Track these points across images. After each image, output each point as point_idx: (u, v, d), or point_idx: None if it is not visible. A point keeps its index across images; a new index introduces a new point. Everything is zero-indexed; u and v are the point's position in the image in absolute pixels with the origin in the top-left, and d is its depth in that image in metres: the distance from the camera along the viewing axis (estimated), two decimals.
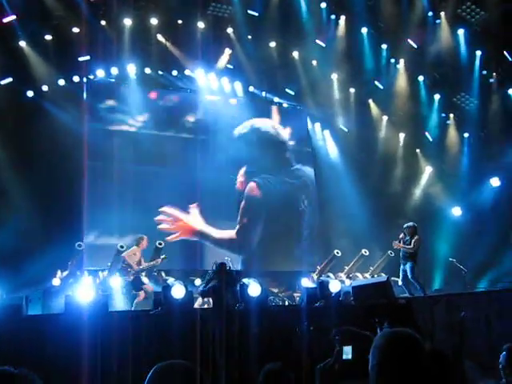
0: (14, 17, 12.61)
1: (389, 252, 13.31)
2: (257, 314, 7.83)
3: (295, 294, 13.29)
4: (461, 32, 15.09)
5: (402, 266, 11.71)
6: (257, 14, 14.76)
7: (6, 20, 12.61)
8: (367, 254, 13.75)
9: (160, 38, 14.80)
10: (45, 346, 6.90)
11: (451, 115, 16.93)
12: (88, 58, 13.85)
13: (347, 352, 2.68)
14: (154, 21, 14.44)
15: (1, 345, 6.66)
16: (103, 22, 13.78)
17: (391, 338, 2.16)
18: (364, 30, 15.46)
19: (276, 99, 16.89)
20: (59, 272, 11.58)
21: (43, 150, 12.71)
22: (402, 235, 11.68)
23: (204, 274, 11.11)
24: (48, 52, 13.35)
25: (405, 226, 11.73)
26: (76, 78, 14.23)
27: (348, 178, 16.13)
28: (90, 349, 6.84)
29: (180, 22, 14.72)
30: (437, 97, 16.57)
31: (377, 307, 8.92)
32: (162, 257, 12.16)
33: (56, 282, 11.40)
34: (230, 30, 15.23)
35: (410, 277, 11.41)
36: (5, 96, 12.76)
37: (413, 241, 11.49)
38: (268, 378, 3.45)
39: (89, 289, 8.39)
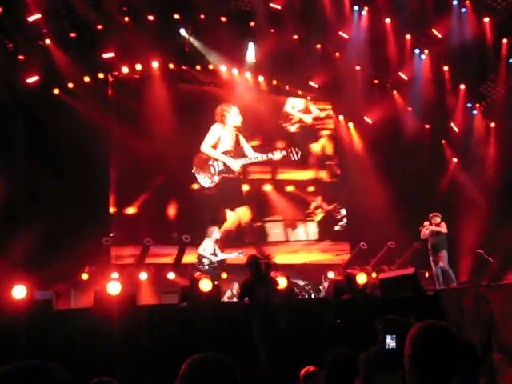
0: (39, 15, 12.75)
1: (415, 244, 13.20)
2: (285, 307, 7.81)
3: (321, 287, 13.27)
4: (486, 20, 14.87)
5: (432, 258, 11.58)
6: (279, 7, 14.72)
7: (31, 19, 12.75)
8: (393, 246, 13.65)
9: (183, 32, 14.85)
10: (74, 340, 6.97)
11: (477, 105, 16.70)
12: (112, 54, 13.97)
13: (391, 341, 2.66)
14: (176, 16, 14.50)
15: (31, 340, 6.74)
16: (127, 19, 13.87)
17: (427, 329, 2.15)
18: (388, 21, 15.31)
19: (299, 92, 16.83)
20: (87, 267, 11.73)
21: (70, 147, 12.80)
22: (427, 223, 11.62)
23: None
24: (73, 49, 13.47)
25: (431, 215, 11.65)
26: (101, 75, 14.37)
27: (373, 170, 16.02)
28: (120, 342, 6.92)
29: (202, 16, 14.75)
30: (462, 86, 16.35)
31: (404, 299, 8.89)
32: (240, 251, 12.69)
33: (85, 276, 11.55)
34: (252, 24, 15.21)
35: (442, 266, 11.29)
36: (32, 94, 12.89)
37: (442, 224, 11.42)
38: (336, 362, 3.40)
39: (117, 283, 8.46)
